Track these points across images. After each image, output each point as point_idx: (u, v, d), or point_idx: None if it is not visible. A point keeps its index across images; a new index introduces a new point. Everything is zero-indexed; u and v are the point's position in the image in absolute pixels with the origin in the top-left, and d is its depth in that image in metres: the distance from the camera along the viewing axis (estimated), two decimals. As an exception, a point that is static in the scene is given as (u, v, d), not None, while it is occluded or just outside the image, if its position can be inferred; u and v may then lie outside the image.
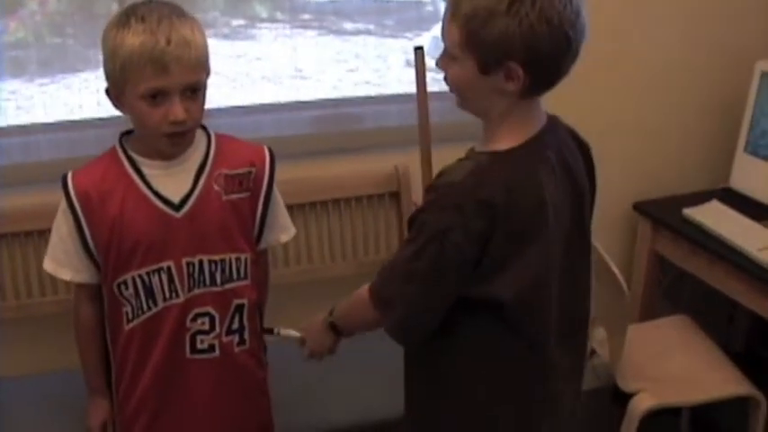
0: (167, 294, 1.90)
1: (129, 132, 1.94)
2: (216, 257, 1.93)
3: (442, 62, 1.64)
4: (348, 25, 2.86)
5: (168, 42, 1.73)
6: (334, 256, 2.79)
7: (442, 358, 1.73)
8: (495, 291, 1.59)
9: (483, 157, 1.60)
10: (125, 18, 1.75)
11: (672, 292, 3.21)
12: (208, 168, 1.91)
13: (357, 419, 2.40)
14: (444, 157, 2.74)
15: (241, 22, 2.71)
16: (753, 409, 2.61)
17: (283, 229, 2.14)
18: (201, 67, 1.81)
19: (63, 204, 1.89)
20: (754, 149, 2.94)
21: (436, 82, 1.85)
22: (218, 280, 1.94)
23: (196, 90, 1.81)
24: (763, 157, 2.91)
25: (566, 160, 1.68)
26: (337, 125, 2.80)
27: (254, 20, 2.73)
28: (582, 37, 1.55)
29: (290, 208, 2.68)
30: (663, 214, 2.95)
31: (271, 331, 2.10)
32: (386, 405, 2.27)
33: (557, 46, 1.52)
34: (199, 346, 1.96)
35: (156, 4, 1.79)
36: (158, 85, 1.75)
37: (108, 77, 1.80)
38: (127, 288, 1.89)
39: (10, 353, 2.58)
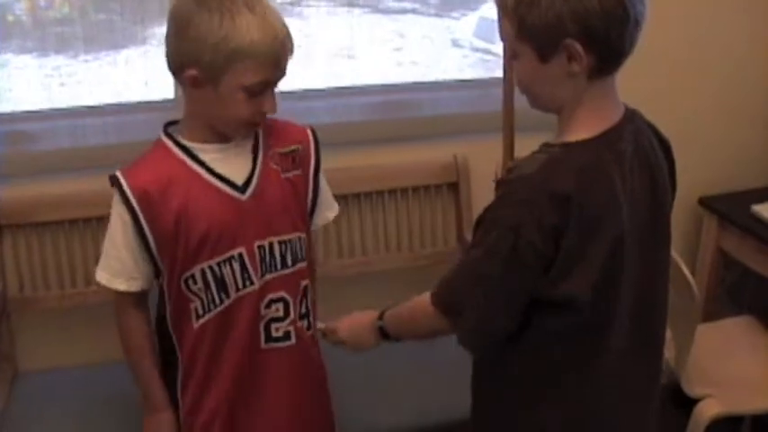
0: (240, 284, 1.82)
1: (170, 123, 1.85)
2: (285, 238, 1.87)
3: (509, 66, 1.57)
4: (393, 4, 2.79)
5: (285, 35, 1.70)
6: (389, 248, 2.71)
7: (508, 361, 1.64)
8: (569, 289, 1.51)
9: (555, 149, 1.52)
10: (228, 3, 1.66)
11: (733, 291, 3.10)
12: (262, 147, 1.85)
13: (417, 421, 2.33)
14: (499, 145, 2.68)
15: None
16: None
17: (329, 206, 2.07)
18: None
19: (117, 208, 1.78)
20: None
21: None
22: (289, 261, 1.88)
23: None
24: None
25: (645, 156, 1.59)
26: (394, 112, 2.70)
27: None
28: (641, 4, 1.47)
29: (344, 198, 2.62)
30: (729, 210, 2.85)
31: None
32: (446, 406, 2.22)
33: (610, 15, 1.44)
34: (274, 334, 1.89)
35: None
36: (268, 77, 1.71)
37: (197, 61, 1.68)
38: (195, 282, 1.80)
39: (56, 343, 2.53)
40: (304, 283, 1.92)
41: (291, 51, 1.72)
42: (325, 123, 2.46)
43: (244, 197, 1.80)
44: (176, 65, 1.72)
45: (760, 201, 2.80)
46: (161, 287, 1.85)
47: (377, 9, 2.75)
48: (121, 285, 1.83)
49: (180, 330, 1.85)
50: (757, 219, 2.74)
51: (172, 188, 1.75)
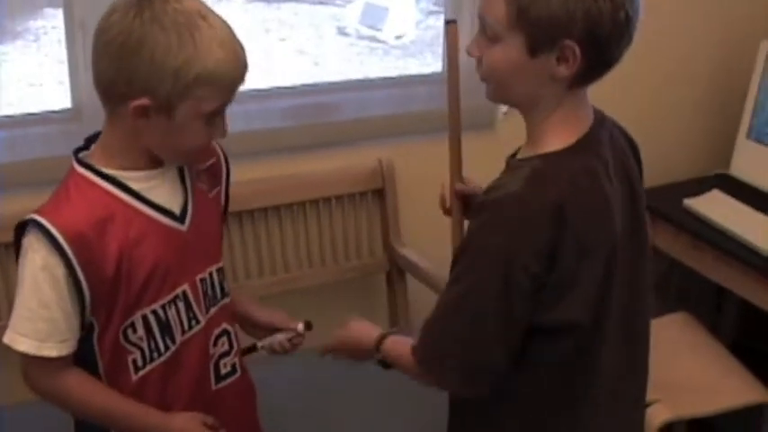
0: (186, 325, 1.63)
1: (80, 149, 1.61)
2: (220, 264, 1.71)
3: (476, 45, 1.44)
4: None
5: (243, 49, 1.52)
6: (312, 263, 2.54)
7: (505, 391, 1.50)
8: (567, 313, 1.41)
9: (536, 161, 1.41)
10: (182, 18, 1.45)
11: (660, 284, 3.05)
12: (186, 167, 1.66)
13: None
14: (427, 148, 2.55)
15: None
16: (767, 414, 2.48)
17: None
18: None
19: (41, 259, 1.50)
20: (758, 136, 2.78)
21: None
22: (225, 288, 1.72)
23: None
24: (768, 145, 2.78)
25: (621, 161, 1.51)
26: (312, 116, 2.52)
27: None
28: (637, 17, 1.39)
29: (263, 211, 2.45)
30: (661, 205, 2.75)
31: (253, 348, 1.85)
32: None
33: (616, 23, 1.36)
34: (223, 371, 1.72)
35: None
36: (228, 100, 1.54)
37: (151, 90, 1.46)
38: (135, 331, 1.58)
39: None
40: (233, 307, 1.76)
41: (247, 71, 1.54)
42: (238, 131, 2.27)
43: (183, 227, 1.61)
44: (117, 93, 1.48)
45: (691, 194, 2.73)
46: (83, 343, 1.58)
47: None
48: (52, 351, 1.54)
49: (114, 388, 1.62)
50: (690, 213, 2.67)
51: (109, 227, 1.51)
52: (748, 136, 2.80)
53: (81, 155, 1.59)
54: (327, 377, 2.25)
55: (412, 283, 2.62)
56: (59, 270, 1.49)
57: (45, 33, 2.65)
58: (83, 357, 1.58)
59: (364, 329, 1.69)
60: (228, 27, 1.50)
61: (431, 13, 3.02)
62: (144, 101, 1.46)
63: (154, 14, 1.43)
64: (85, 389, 1.60)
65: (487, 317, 1.40)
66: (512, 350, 1.43)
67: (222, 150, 1.77)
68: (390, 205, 2.56)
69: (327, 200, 2.52)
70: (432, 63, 2.83)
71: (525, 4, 1.34)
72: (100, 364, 1.59)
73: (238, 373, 1.75)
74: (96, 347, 1.58)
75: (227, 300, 1.72)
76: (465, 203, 1.72)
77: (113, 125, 1.55)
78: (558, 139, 1.42)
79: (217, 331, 1.69)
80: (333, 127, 2.53)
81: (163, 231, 1.58)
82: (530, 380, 1.47)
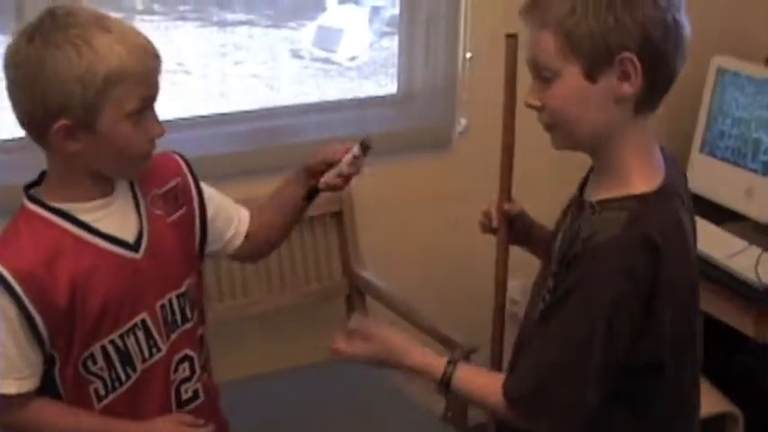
0: (146, 353, 1.62)
1: (31, 186, 1.60)
2: (182, 289, 1.68)
3: (534, 94, 1.43)
4: (229, 16, 2.73)
5: (149, 43, 1.52)
6: (271, 288, 2.53)
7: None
8: (652, 351, 1.43)
9: (632, 204, 1.40)
10: (76, 32, 1.45)
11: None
12: (140, 193, 1.64)
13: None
14: (384, 170, 2.55)
15: (117, 15, 2.48)
16: (730, 426, 2.53)
17: (237, 211, 1.89)
18: None
19: None
20: (711, 150, 2.82)
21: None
22: (188, 314, 1.69)
23: None
24: (721, 159, 2.79)
25: (685, 188, 1.52)
26: (268, 140, 2.51)
27: (131, 12, 2.58)
28: (686, 25, 1.40)
29: None
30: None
31: (315, 191, 1.85)
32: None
33: (667, 27, 1.37)
34: (184, 396, 1.70)
35: (76, 10, 1.51)
36: (146, 94, 1.52)
37: (65, 108, 1.45)
38: (95, 362, 1.57)
39: None
40: (200, 331, 1.74)
41: (160, 61, 1.53)
42: (195, 156, 2.25)
43: (138, 256, 1.59)
44: (35, 122, 1.48)
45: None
46: (45, 376, 1.58)
47: (212, 22, 2.67)
48: (11, 388, 1.54)
49: None
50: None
51: (58, 262, 1.51)
52: (701, 150, 2.84)
53: (32, 190, 1.58)
54: (308, 398, 2.26)
55: (372, 305, 2.62)
56: (11, 311, 1.49)
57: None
58: (45, 390, 1.57)
59: (410, 346, 1.58)
60: (128, 25, 1.51)
61: (384, 34, 3.03)
62: (63, 121, 1.46)
63: (45, 37, 1.45)
64: (50, 416, 1.60)
65: (593, 360, 1.39)
66: (603, 390, 1.42)
67: (188, 167, 1.75)
68: (348, 227, 2.56)
69: (285, 223, 2.50)
70: (386, 84, 2.83)
71: (572, 29, 1.34)
72: (63, 395, 1.58)
73: (201, 399, 1.73)
74: (58, 379, 1.57)
75: (188, 325, 1.69)
76: (510, 224, 1.70)
77: (50, 160, 1.55)
78: (643, 178, 1.42)
79: (177, 357, 1.67)
80: (289, 150, 2.50)
81: (115, 261, 1.56)
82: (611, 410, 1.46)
